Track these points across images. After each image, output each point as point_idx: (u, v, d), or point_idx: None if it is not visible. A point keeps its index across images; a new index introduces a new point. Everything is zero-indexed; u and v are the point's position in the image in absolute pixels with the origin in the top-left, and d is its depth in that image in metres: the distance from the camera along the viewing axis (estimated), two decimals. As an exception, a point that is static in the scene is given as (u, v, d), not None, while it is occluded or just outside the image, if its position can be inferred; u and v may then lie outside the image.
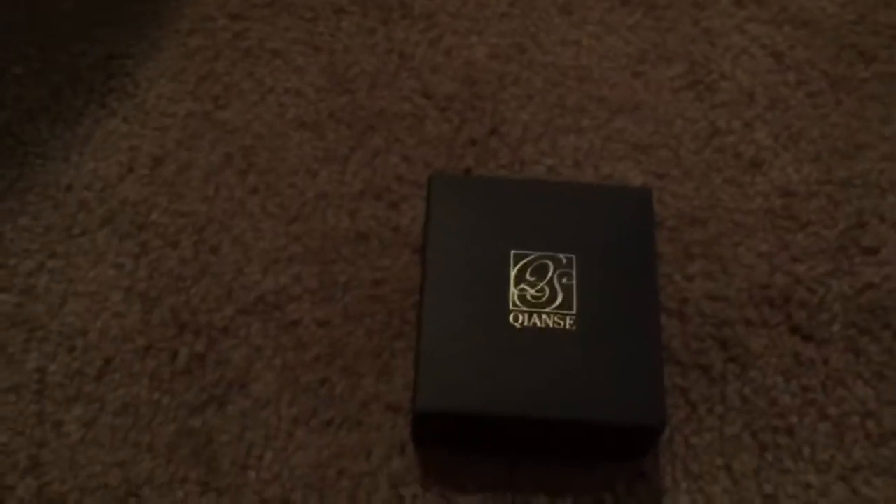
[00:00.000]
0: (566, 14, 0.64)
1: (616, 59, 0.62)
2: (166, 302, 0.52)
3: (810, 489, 0.48)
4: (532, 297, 0.45)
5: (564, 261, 0.46)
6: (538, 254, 0.47)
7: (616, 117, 0.59)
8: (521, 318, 0.45)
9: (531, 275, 0.46)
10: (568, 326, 0.45)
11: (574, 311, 0.45)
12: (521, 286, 0.46)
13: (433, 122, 0.59)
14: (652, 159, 0.58)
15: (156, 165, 0.56)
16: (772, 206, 0.56)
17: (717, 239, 0.55)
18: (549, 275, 0.46)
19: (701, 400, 0.50)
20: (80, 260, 0.53)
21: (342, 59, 0.61)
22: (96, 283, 0.52)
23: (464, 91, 0.60)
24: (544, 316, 0.45)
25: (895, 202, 0.57)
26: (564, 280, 0.46)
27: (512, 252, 0.47)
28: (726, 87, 0.61)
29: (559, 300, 0.45)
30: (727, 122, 0.60)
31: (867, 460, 0.49)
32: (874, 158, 0.59)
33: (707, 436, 0.49)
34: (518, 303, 0.45)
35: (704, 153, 0.58)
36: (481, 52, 0.62)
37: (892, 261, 0.55)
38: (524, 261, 0.46)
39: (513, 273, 0.46)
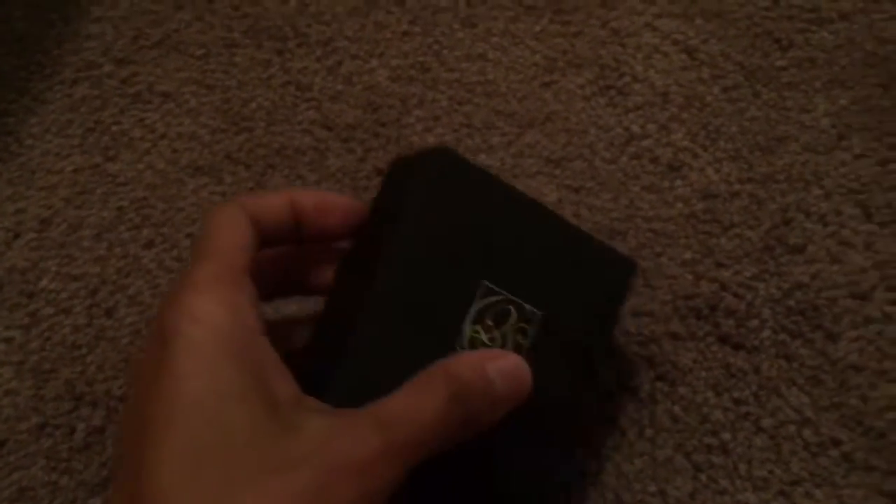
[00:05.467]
0: (469, 27, 0.61)
1: (524, 70, 0.59)
2: (61, 374, 0.49)
3: (749, 509, 0.46)
4: (482, 345, 0.38)
5: (529, 316, 0.40)
6: (506, 296, 0.39)
7: (526, 132, 0.57)
8: None
9: (490, 318, 0.39)
10: None
11: None
12: (476, 328, 0.38)
13: (335, 154, 0.56)
14: (567, 172, 0.56)
15: (44, 228, 0.53)
16: (693, 210, 0.54)
17: (638, 251, 0.53)
18: (507, 325, 0.39)
19: (630, 424, 0.48)
20: (-32, 337, 0.50)
21: (237, 96, 0.58)
22: (-14, 360, 0.49)
23: (366, 118, 0.57)
24: None
25: (820, 194, 0.55)
26: (519, 337, 0.40)
27: (484, 282, 0.39)
28: (639, 90, 0.59)
29: None
30: (642, 126, 0.57)
31: (806, 472, 0.47)
32: (796, 150, 0.56)
33: (638, 462, 0.47)
34: (466, 346, 0.38)
35: (620, 161, 0.56)
36: (383, 76, 0.59)
37: (819, 258, 0.52)
38: (490, 299, 0.39)
39: (475, 308, 0.38)
